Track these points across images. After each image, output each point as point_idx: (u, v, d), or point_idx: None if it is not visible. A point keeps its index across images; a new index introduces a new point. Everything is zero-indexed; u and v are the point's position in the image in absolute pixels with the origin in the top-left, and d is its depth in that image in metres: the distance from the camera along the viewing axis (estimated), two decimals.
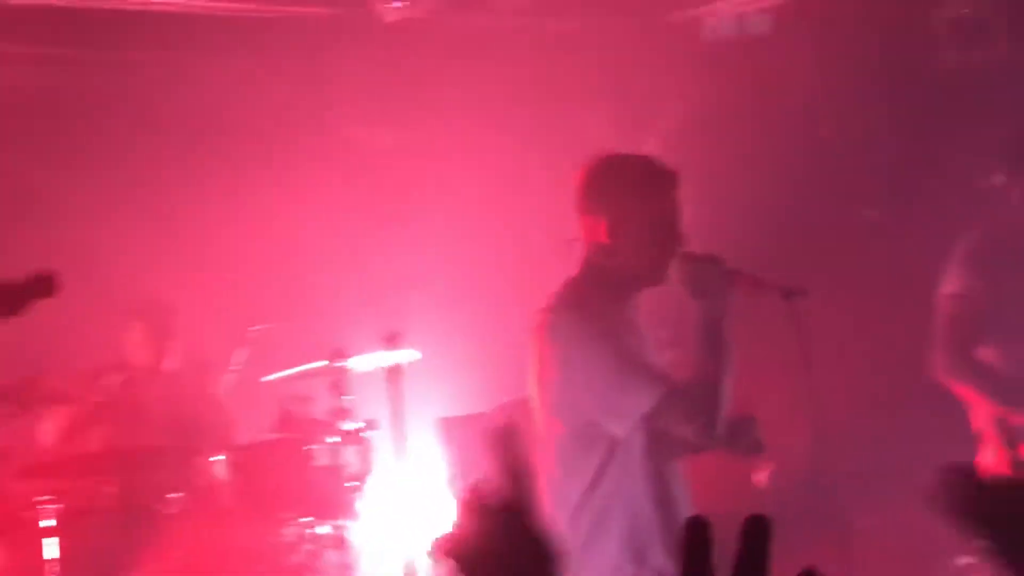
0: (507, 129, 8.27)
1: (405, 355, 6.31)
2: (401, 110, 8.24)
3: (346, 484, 6.55)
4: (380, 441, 6.58)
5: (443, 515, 6.85)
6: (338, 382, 6.56)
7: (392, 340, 6.14)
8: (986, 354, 5.38)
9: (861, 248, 7.69)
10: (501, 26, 8.10)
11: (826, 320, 4.50)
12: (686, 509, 4.07)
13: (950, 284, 5.47)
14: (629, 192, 4.10)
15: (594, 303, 4.05)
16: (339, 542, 6.52)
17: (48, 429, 6.90)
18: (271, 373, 6.65)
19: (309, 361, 6.56)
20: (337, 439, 6.59)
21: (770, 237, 7.67)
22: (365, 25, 7.74)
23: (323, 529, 6.52)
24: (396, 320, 6.48)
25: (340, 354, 6.48)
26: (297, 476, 6.57)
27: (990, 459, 5.32)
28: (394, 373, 6.22)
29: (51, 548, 5.98)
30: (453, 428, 6.81)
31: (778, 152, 8.17)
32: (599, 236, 4.12)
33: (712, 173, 8.81)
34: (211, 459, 6.57)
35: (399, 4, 7.47)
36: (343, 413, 6.59)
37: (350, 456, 6.59)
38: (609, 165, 4.19)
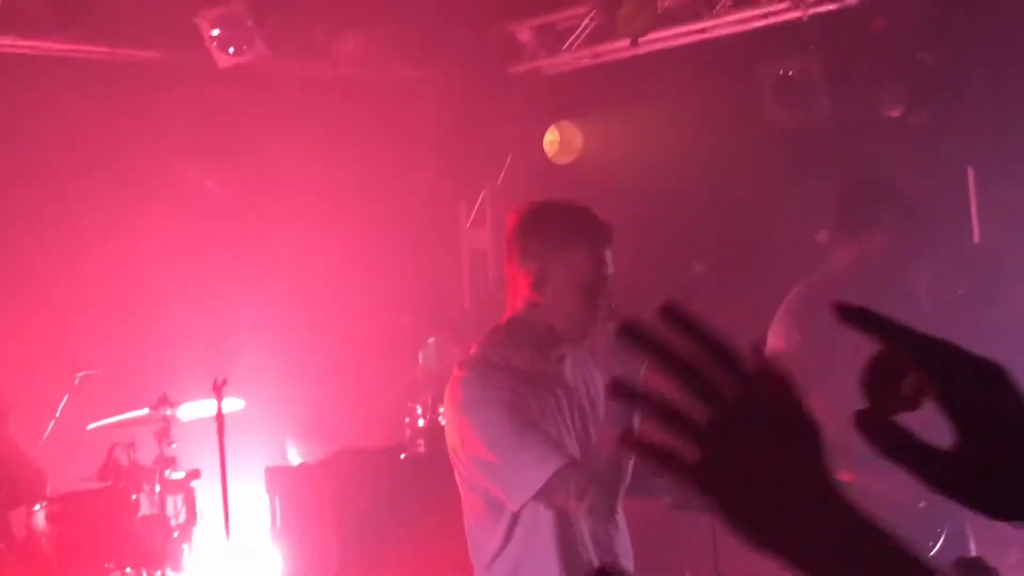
0: (340, 176, 8.28)
1: (231, 404, 6.23)
2: (234, 155, 8.18)
3: (171, 533, 6.44)
4: (205, 490, 6.48)
5: (265, 565, 6.76)
6: (164, 430, 6.46)
7: (218, 388, 6.06)
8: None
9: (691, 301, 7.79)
10: (334, 74, 8.09)
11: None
12: (621, 556, 4.00)
13: (775, 341, 5.51)
14: (555, 245, 3.90)
15: (503, 364, 3.88)
16: None
17: None
18: (96, 420, 6.52)
19: (135, 408, 6.45)
20: (161, 488, 6.47)
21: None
22: (199, 70, 7.67)
23: None
24: (223, 368, 6.40)
25: (166, 402, 6.38)
26: (121, 525, 6.43)
27: None
28: (219, 421, 6.14)
29: None
30: (279, 478, 6.74)
31: (614, 203, 8.27)
32: (523, 288, 3.95)
33: None
34: (33, 509, 6.41)
35: (232, 50, 7.41)
36: (168, 462, 6.48)
37: (175, 505, 6.48)
38: (538, 214, 3.98)
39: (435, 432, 6.63)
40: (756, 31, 7.54)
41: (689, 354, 1.27)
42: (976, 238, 7.82)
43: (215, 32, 7.45)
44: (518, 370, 3.89)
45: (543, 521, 3.89)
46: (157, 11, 7.46)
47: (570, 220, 3.96)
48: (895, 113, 6.67)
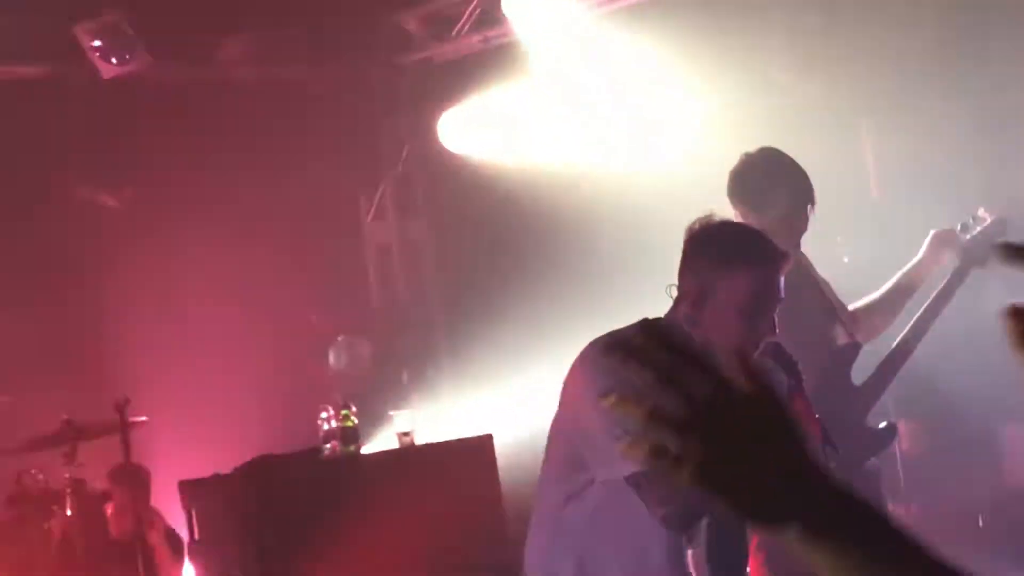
0: (237, 179, 8.19)
1: (135, 420, 6.15)
2: (127, 166, 8.08)
3: (83, 554, 6.35)
4: None
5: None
6: (70, 452, 6.36)
7: (120, 407, 5.98)
8: None
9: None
10: (222, 77, 8.00)
11: None
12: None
13: None
14: (719, 265, 3.85)
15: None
16: None
17: None
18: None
19: (40, 432, 6.35)
20: (72, 511, 6.38)
21: None
22: (85, 83, 7.56)
23: None
24: (126, 386, 6.32)
25: (70, 424, 6.28)
26: (34, 550, 6.34)
27: None
28: (124, 440, 6.07)
29: None
30: (194, 490, 6.64)
31: (510, 187, 8.25)
32: (685, 303, 3.89)
33: None
34: None
35: (115, 60, 7.31)
36: (78, 483, 6.39)
37: (87, 526, 6.39)
38: (709, 230, 3.91)
39: (348, 432, 6.58)
40: (640, 6, 7.53)
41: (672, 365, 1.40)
42: (873, 193, 7.89)
43: (96, 43, 7.35)
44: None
45: (618, 517, 3.88)
46: (37, 26, 7.35)
47: (740, 241, 3.94)
48: (785, 77, 6.70)
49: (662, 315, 4.00)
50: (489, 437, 6.85)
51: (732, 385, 1.39)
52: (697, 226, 3.93)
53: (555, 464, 4.01)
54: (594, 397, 3.80)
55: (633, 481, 3.77)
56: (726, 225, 3.99)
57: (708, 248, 3.89)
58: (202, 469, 6.68)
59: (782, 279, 3.92)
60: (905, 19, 6.90)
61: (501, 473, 6.74)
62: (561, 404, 4.00)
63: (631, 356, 1.41)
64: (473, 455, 6.79)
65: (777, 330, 3.91)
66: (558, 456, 3.99)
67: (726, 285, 3.84)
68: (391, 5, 8.40)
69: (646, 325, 3.94)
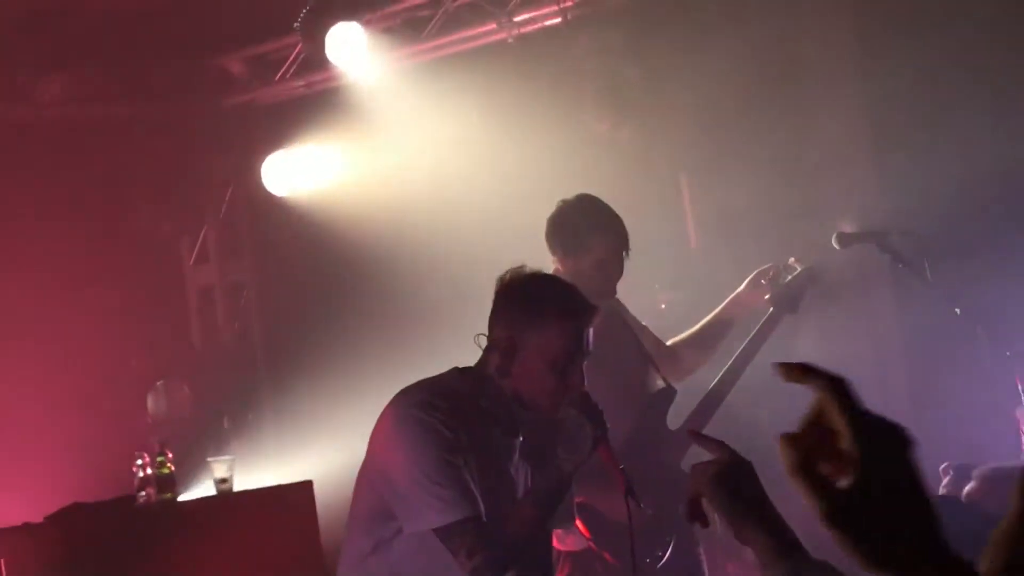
0: (54, 222, 8.05)
1: None
2: None
3: None
4: None
5: None
6: None
7: None
8: None
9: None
10: (40, 117, 7.86)
11: None
12: None
13: None
14: (530, 317, 3.87)
15: (457, 398, 3.87)
16: None
17: None
18: None
19: None
20: None
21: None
22: None
23: None
24: None
25: None
26: None
27: None
28: None
29: None
30: (3, 538, 6.48)
31: (334, 232, 8.24)
32: (495, 355, 3.90)
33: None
34: None
35: None
36: None
37: None
38: (520, 282, 3.94)
39: (164, 480, 6.49)
40: (464, 53, 7.60)
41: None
42: (692, 243, 8.05)
43: None
44: (472, 411, 3.87)
45: (422, 567, 3.89)
46: None
47: (550, 294, 3.94)
48: (603, 127, 6.81)
49: (473, 364, 4.04)
50: (309, 483, 6.81)
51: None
52: (508, 276, 3.96)
53: (362, 511, 4.02)
54: (405, 449, 3.83)
55: (442, 533, 3.79)
56: (536, 277, 4.01)
57: (519, 300, 3.92)
58: (13, 517, 6.53)
59: (591, 332, 3.96)
60: (720, 71, 7.07)
61: (321, 519, 6.70)
62: (369, 453, 4.00)
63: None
64: (292, 502, 6.74)
65: (586, 382, 3.96)
66: (366, 504, 4.00)
67: (536, 337, 3.87)
68: (215, 47, 8.36)
69: (459, 375, 3.98)
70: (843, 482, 1.40)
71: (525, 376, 3.90)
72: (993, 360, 5.88)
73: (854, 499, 1.39)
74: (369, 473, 4.00)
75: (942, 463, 5.12)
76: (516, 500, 3.99)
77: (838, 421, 1.41)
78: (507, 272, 3.99)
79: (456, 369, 4.02)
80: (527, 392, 3.90)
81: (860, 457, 1.39)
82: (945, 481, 5.07)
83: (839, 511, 1.39)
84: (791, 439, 1.42)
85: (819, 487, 1.40)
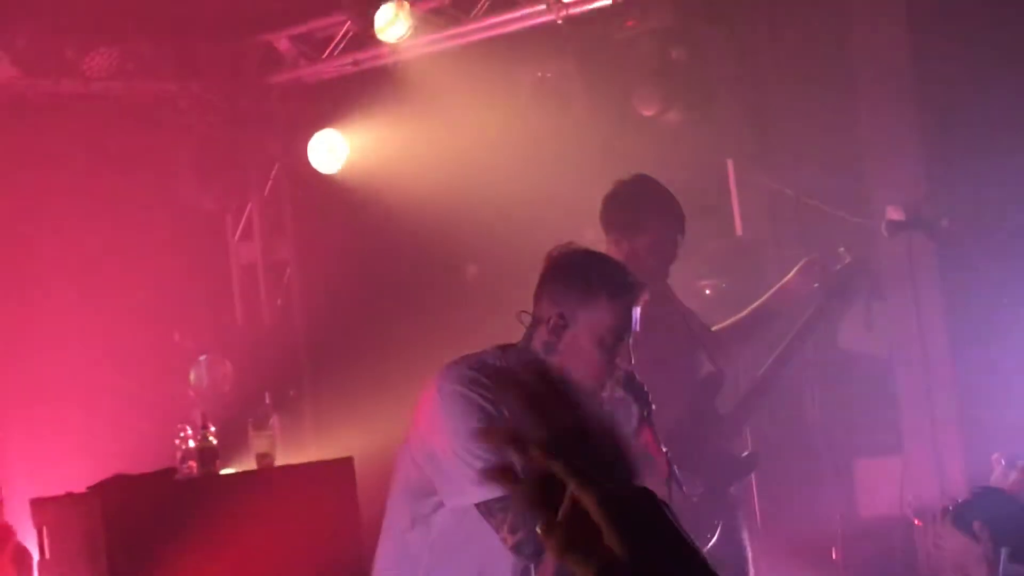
0: (102, 194, 8.09)
1: None
2: None
3: None
4: None
5: None
6: None
7: None
8: None
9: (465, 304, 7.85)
10: (88, 90, 7.88)
11: None
12: None
13: None
14: (580, 295, 3.88)
15: (499, 369, 3.85)
16: None
17: None
18: None
19: None
20: None
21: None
22: None
23: None
24: None
25: None
26: None
27: None
28: None
29: None
30: (46, 508, 6.53)
31: (384, 209, 8.27)
32: (543, 330, 3.91)
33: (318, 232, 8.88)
34: None
35: None
36: None
37: None
38: (570, 259, 3.95)
39: (206, 452, 6.51)
40: (513, 35, 7.59)
41: None
42: (738, 231, 8.01)
43: None
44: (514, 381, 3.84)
45: (461, 542, 3.90)
46: None
47: (602, 272, 3.94)
48: (649, 112, 6.78)
49: (517, 341, 4.03)
50: (349, 459, 6.83)
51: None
52: (556, 253, 3.96)
53: (403, 486, 4.02)
54: (448, 424, 3.83)
55: (484, 508, 3.79)
56: (586, 254, 4.01)
57: (569, 277, 3.92)
58: (56, 487, 6.58)
59: (639, 311, 3.96)
60: (769, 57, 7.04)
61: (361, 496, 6.71)
62: (412, 428, 4.00)
63: (498, 387, 1.49)
64: (333, 477, 6.76)
65: (633, 360, 3.95)
66: (407, 479, 4.00)
67: (586, 315, 3.87)
68: (262, 24, 8.36)
69: (500, 351, 3.97)
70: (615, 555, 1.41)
71: (572, 353, 3.89)
72: None
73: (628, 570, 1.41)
74: (412, 448, 4.00)
75: (992, 453, 5.09)
76: None
77: (592, 511, 1.42)
78: (555, 248, 3.98)
79: (498, 346, 4.01)
80: (573, 369, 3.88)
81: (621, 543, 1.41)
82: (997, 472, 5.02)
83: None
84: (552, 527, 1.43)
85: (593, 566, 1.42)
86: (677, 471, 4.00)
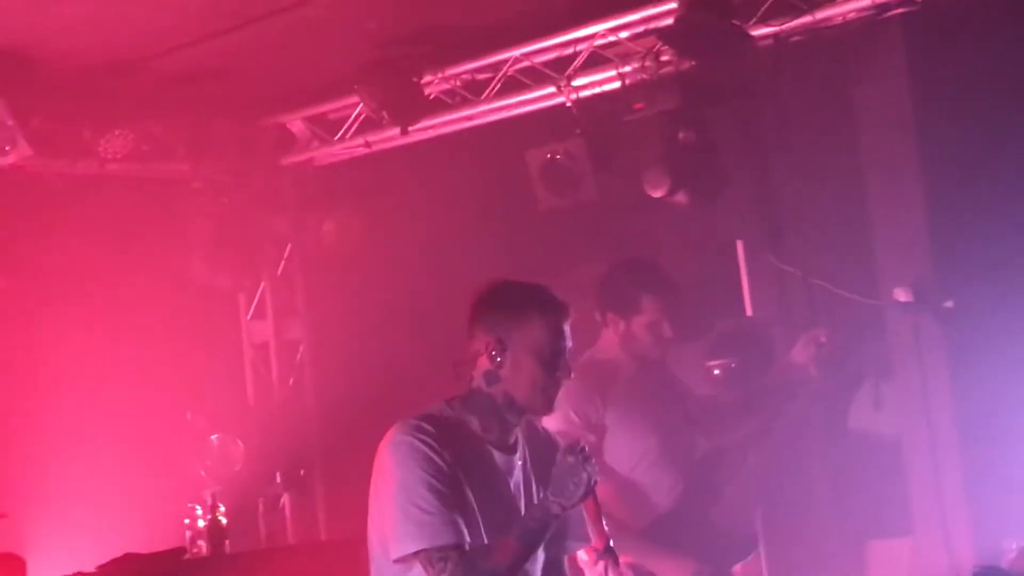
0: (116, 274, 8.16)
1: None
2: (6, 261, 8.01)
3: None
4: None
5: None
6: None
7: None
8: None
9: None
10: (103, 172, 7.97)
11: None
12: None
13: (553, 424, 5.58)
14: (514, 317, 4.04)
15: (450, 423, 4.00)
16: None
17: None
18: None
19: None
20: None
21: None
22: None
23: None
24: None
25: None
26: None
27: None
28: None
29: None
30: None
31: (394, 288, 8.32)
32: (483, 360, 4.04)
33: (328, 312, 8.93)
34: None
35: None
36: None
37: None
38: (498, 289, 4.13)
39: (216, 532, 6.52)
40: (523, 117, 7.67)
41: None
42: (748, 311, 8.03)
43: None
44: (463, 435, 4.00)
45: None
46: None
47: (529, 294, 4.11)
48: (659, 193, 6.84)
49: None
50: (362, 539, 6.82)
51: None
52: (484, 288, 4.15)
53: (372, 545, 4.10)
54: (395, 473, 3.95)
55: (424, 558, 3.88)
56: (509, 282, 4.18)
57: (497, 304, 4.10)
58: (66, 566, 6.59)
59: (568, 327, 4.09)
60: (776, 137, 7.08)
61: None
62: (371, 488, 4.12)
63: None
64: (343, 557, 6.75)
65: (572, 375, 4.10)
66: (373, 536, 4.09)
67: (520, 334, 4.03)
68: (275, 106, 8.46)
69: (446, 404, 4.12)
70: None
71: (514, 374, 4.03)
72: None
73: None
74: (371, 510, 4.10)
75: (1000, 537, 5.09)
76: (517, 518, 4.05)
77: None
78: (480, 286, 4.16)
79: (445, 400, 4.14)
80: (519, 391, 4.03)
81: None
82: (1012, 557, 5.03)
83: None
84: None
85: None
86: (613, 545, 4.07)
